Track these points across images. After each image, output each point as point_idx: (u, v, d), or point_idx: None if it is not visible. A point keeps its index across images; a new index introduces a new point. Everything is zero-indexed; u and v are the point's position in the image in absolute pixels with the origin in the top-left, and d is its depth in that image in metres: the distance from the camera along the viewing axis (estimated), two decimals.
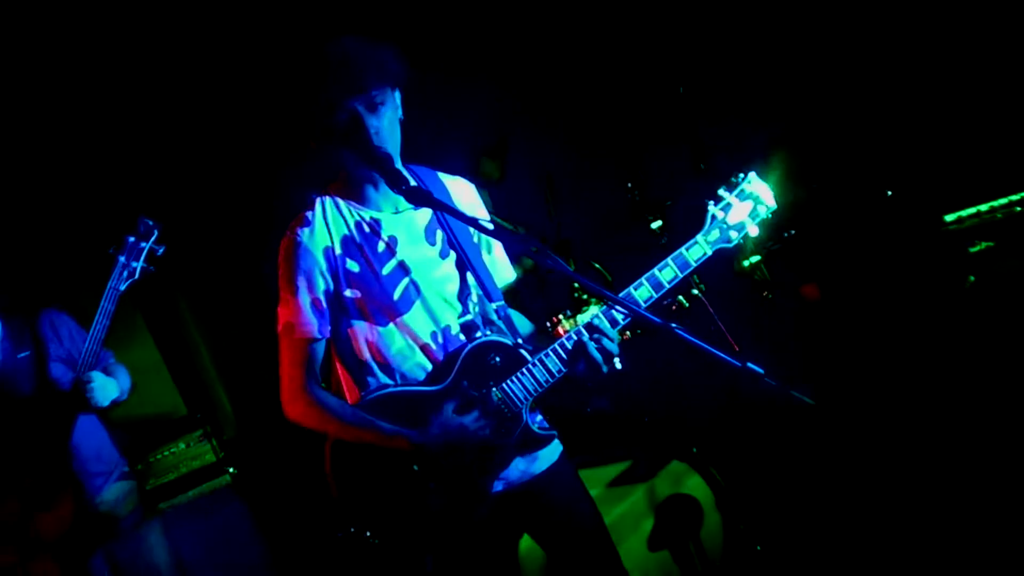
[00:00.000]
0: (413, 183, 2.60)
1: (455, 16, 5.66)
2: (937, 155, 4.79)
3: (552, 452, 2.94)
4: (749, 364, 2.29)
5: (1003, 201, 3.13)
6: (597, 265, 4.65)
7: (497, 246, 3.06)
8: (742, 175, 2.95)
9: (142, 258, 3.85)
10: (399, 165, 2.75)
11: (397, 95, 2.77)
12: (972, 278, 3.11)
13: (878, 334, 4.71)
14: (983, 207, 3.14)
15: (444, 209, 2.59)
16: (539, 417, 2.95)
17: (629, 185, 4.64)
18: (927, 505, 3.95)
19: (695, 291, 4.18)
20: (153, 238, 3.87)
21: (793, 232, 4.83)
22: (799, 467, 4.57)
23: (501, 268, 3.06)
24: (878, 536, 4.06)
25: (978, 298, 3.24)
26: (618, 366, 2.78)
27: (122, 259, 3.82)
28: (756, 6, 5.48)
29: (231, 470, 4.97)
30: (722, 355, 2.26)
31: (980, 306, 3.35)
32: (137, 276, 3.85)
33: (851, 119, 5.27)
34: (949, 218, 3.12)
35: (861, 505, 4.20)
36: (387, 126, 2.69)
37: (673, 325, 2.27)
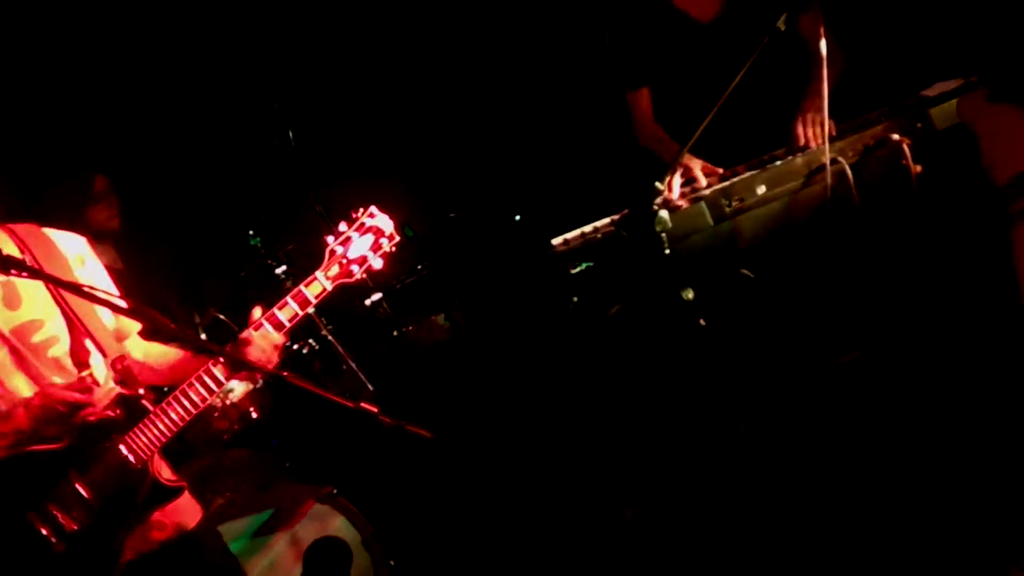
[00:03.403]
0: None
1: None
2: (550, 181, 5.19)
3: (184, 506, 2.85)
4: (363, 404, 2.33)
5: (605, 221, 3.31)
6: (221, 316, 4.54)
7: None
8: (363, 210, 2.95)
9: None
10: None
11: None
12: (575, 299, 3.34)
13: (508, 363, 4.94)
14: (587, 228, 3.31)
15: (26, 273, 2.50)
16: (166, 471, 2.83)
17: (251, 232, 4.59)
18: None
19: (323, 332, 4.20)
20: None
21: (421, 266, 5.02)
22: (447, 499, 4.67)
23: (120, 319, 2.93)
24: None
25: (581, 318, 3.46)
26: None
27: None
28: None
29: None
30: (335, 398, 2.31)
31: (582, 325, 3.61)
32: None
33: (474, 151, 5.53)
34: (555, 241, 3.28)
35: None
36: None
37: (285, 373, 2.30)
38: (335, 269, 2.87)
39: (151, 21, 5.50)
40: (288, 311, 2.80)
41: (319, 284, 2.84)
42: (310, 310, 2.86)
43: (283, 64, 5.56)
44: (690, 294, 2.98)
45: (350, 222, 2.93)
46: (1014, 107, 1.01)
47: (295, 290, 2.83)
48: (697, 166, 3.24)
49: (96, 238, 4.60)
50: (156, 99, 5.64)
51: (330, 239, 2.90)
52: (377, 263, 2.94)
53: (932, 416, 3.31)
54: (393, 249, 2.96)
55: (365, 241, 2.90)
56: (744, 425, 3.46)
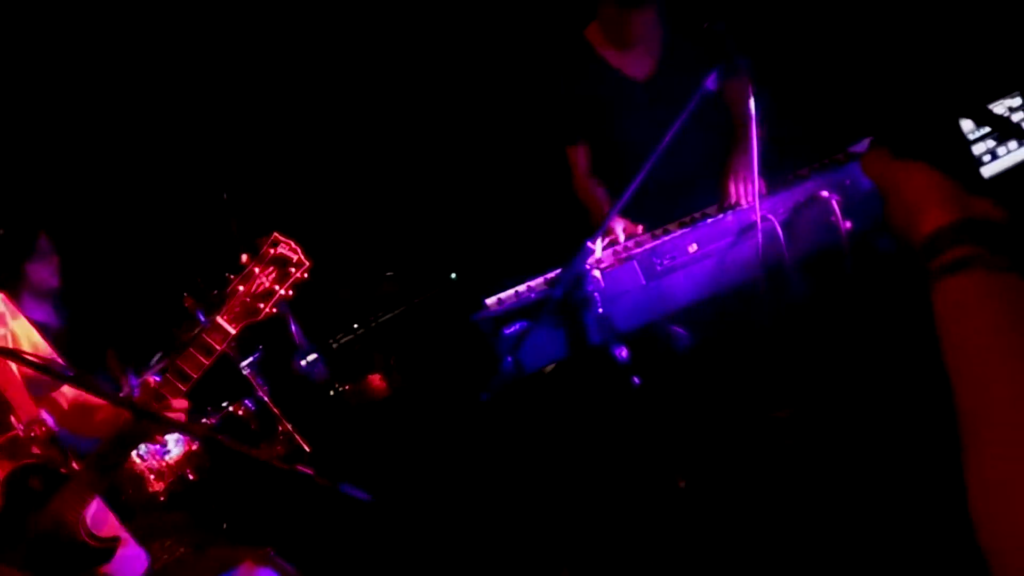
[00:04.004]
0: None
1: None
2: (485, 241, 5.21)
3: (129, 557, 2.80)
4: (298, 466, 2.29)
5: (538, 280, 3.32)
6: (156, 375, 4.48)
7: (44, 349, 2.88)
8: (264, 237, 2.75)
9: None
10: None
11: None
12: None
13: (445, 423, 4.92)
14: (520, 287, 3.31)
15: None
16: (105, 526, 2.76)
17: (185, 294, 4.54)
18: None
19: (259, 393, 4.15)
20: None
21: (358, 325, 4.99)
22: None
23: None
24: None
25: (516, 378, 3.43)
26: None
27: None
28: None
29: None
30: (269, 460, 2.29)
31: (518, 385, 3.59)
32: None
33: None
34: (489, 301, 3.28)
35: None
36: None
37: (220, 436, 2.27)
38: (236, 310, 2.67)
39: (90, 79, 5.48)
40: (192, 361, 2.61)
41: (220, 329, 2.65)
42: (215, 357, 2.66)
43: (221, 125, 5.55)
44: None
45: (250, 254, 2.72)
46: (919, 164, 1.02)
47: (197, 337, 2.64)
48: (619, 226, 3.26)
49: (34, 295, 4.57)
50: (95, 158, 5.60)
51: (231, 275, 2.70)
52: (289, 293, 2.73)
53: (863, 469, 3.33)
54: (305, 276, 2.74)
55: (269, 274, 2.70)
56: (682, 480, 3.46)
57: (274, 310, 2.72)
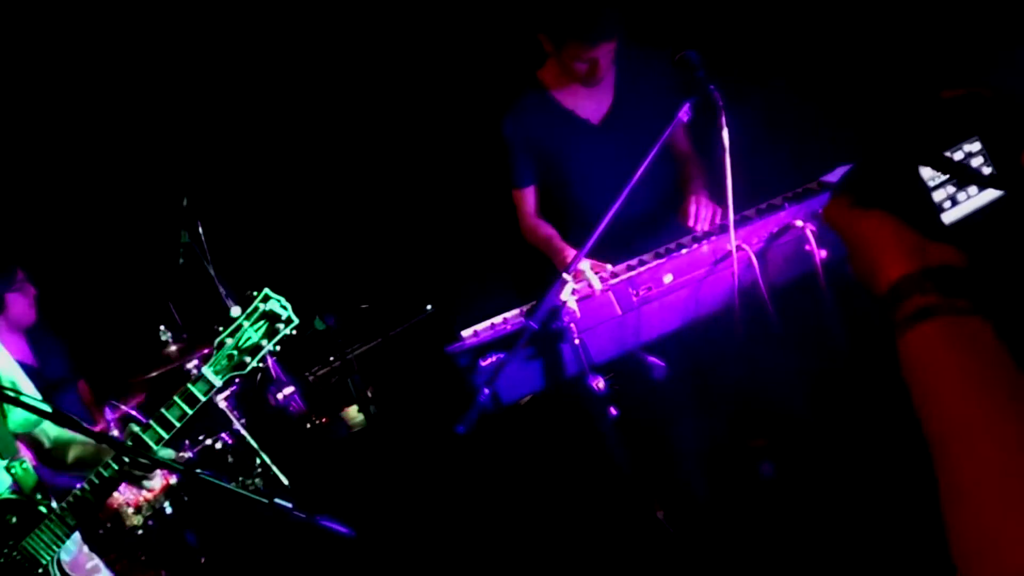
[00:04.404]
0: None
1: None
2: (462, 272, 5.22)
3: None
4: (277, 500, 2.30)
5: (514, 312, 3.32)
6: (131, 411, 4.47)
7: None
8: (255, 292, 2.75)
9: None
10: None
11: None
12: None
13: (423, 454, 4.91)
14: (496, 319, 3.32)
15: None
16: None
17: (162, 327, 4.53)
18: None
19: (236, 427, 4.14)
20: None
21: (334, 358, 4.98)
22: None
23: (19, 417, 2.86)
24: None
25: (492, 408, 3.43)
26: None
27: None
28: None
29: None
30: (248, 494, 2.28)
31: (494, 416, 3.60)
32: None
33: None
34: (465, 333, 3.28)
35: None
36: None
37: (198, 470, 2.27)
38: (223, 362, 2.70)
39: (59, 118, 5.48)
40: (176, 410, 2.66)
41: (206, 382, 2.69)
42: (200, 406, 2.71)
43: (190, 159, 5.55)
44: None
45: (243, 306, 2.74)
46: (879, 212, 1.02)
47: (181, 388, 2.68)
48: (586, 266, 3.27)
49: (11, 327, 4.55)
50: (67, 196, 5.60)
51: (220, 328, 2.72)
52: (273, 350, 2.75)
53: (839, 496, 3.34)
54: (292, 333, 2.76)
55: (259, 328, 2.72)
56: (660, 509, 3.46)
57: (260, 365, 2.76)
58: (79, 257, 5.56)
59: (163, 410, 2.67)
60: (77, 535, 2.75)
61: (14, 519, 2.60)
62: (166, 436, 2.66)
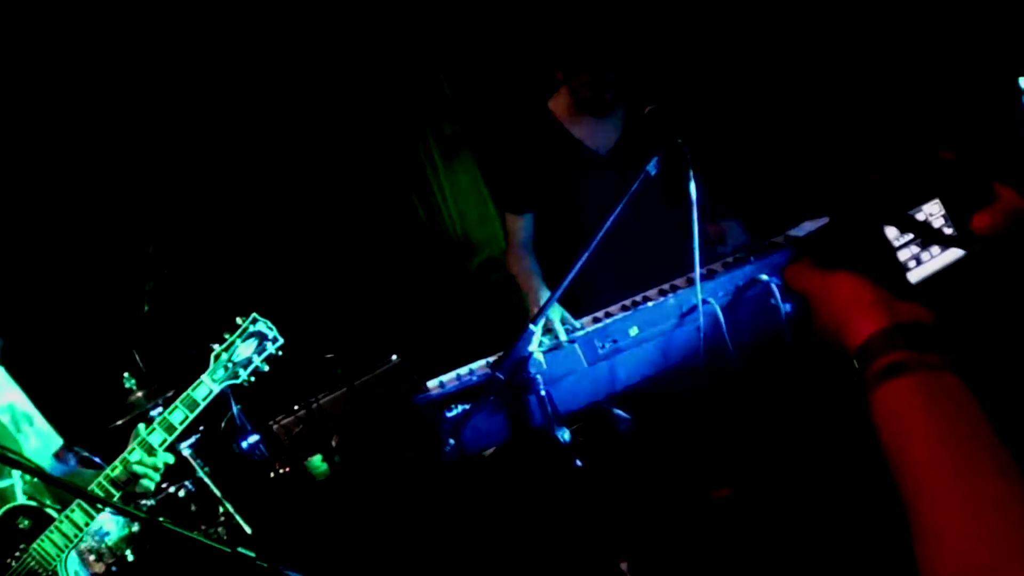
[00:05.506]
0: None
1: None
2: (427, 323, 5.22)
3: None
4: (240, 549, 2.30)
5: (480, 363, 3.33)
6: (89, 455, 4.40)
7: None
8: (245, 318, 3.09)
9: None
10: None
11: None
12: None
13: (388, 504, 4.87)
14: (463, 370, 3.32)
15: None
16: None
17: (125, 375, 4.51)
18: None
19: (200, 473, 4.10)
20: None
21: (298, 407, 4.93)
22: None
23: (36, 438, 3.02)
24: None
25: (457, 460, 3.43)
26: None
27: None
28: None
29: None
30: (210, 542, 2.29)
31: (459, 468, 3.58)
32: None
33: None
34: (431, 383, 3.28)
35: None
36: None
37: (160, 518, 2.29)
38: (220, 372, 2.96)
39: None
40: (179, 414, 2.87)
41: (206, 386, 2.92)
42: (200, 410, 2.92)
43: (158, 204, 5.54)
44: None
45: (235, 327, 3.05)
46: (844, 273, 1.04)
47: (183, 393, 2.90)
48: (556, 316, 3.28)
49: None
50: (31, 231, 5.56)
51: (215, 346, 3.00)
52: (263, 367, 3.06)
53: (802, 547, 3.34)
54: (279, 352, 3.09)
55: (249, 345, 3.02)
56: (624, 562, 3.44)
57: (252, 379, 3.04)
58: (42, 305, 5.51)
59: (166, 414, 2.88)
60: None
61: (26, 523, 2.73)
62: (170, 439, 2.87)
